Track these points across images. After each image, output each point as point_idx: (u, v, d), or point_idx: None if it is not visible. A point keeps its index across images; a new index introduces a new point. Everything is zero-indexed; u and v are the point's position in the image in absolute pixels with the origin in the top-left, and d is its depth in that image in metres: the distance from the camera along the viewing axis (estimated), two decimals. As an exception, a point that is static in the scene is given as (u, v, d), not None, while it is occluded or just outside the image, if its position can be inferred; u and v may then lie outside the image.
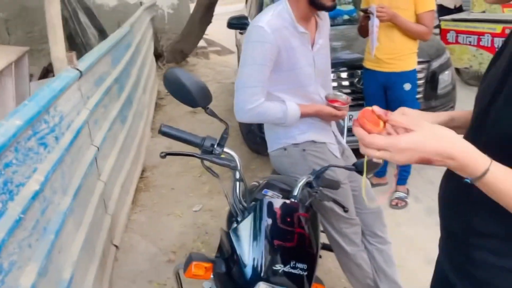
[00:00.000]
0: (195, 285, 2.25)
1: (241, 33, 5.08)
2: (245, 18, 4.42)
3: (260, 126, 3.57)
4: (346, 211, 1.57)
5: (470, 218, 0.85)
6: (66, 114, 1.91)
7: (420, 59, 2.97)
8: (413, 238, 2.71)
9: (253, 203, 1.29)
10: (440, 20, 5.85)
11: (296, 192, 1.42)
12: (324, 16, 1.84)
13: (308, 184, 1.47)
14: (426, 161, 0.71)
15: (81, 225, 1.94)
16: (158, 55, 6.96)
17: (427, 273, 1.20)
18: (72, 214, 1.79)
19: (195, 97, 1.21)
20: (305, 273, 1.17)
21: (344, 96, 1.79)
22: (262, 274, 1.13)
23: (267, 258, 1.14)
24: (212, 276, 1.22)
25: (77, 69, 2.12)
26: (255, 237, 1.17)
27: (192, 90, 1.21)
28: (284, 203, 1.26)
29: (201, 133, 1.29)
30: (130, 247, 2.61)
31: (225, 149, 1.31)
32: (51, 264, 1.51)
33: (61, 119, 1.83)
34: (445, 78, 3.50)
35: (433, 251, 1.18)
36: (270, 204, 1.21)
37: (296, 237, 1.19)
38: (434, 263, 1.10)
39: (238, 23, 4.40)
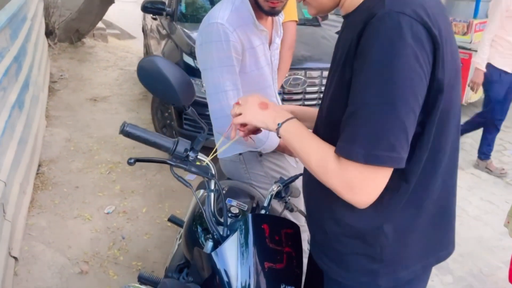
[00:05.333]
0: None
1: (154, 18, 4.76)
2: (161, 3, 4.15)
3: (180, 121, 3.34)
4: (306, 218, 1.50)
5: (322, 198, 1.01)
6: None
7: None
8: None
9: (234, 218, 1.13)
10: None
11: (266, 202, 1.30)
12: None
13: (277, 194, 1.36)
14: (264, 105, 1.02)
15: (-19, 239, 1.55)
16: (48, 33, 6.15)
17: None
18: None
19: (178, 94, 1.01)
20: (293, 296, 1.06)
21: None
22: (250, 301, 0.99)
23: (257, 282, 1.01)
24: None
25: (-23, 42, 1.69)
26: (242, 259, 1.03)
27: (175, 85, 1.00)
28: (272, 218, 1.13)
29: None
30: (33, 258, 2.20)
31: (199, 156, 1.13)
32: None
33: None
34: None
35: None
36: (257, 221, 1.07)
37: (285, 257, 1.08)
38: None
39: (153, 7, 4.13)
